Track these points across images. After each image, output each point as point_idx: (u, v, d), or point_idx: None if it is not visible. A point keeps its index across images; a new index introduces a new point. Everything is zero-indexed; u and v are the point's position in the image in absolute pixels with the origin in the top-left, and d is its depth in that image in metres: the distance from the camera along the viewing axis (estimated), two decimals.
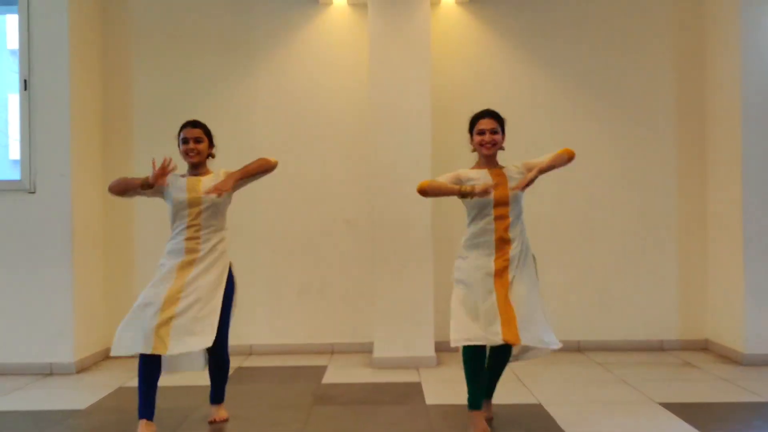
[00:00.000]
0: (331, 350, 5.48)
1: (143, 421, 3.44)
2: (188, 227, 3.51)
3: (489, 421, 3.59)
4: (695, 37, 5.49)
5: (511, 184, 3.51)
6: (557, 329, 5.26)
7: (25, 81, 4.96)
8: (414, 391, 4.29)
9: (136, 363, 5.14)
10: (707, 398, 4.09)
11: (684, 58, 5.51)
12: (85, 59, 5.22)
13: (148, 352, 3.34)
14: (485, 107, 5.42)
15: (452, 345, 3.40)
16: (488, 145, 3.54)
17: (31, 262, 4.93)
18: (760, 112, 4.95)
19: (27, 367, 4.90)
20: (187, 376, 4.58)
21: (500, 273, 3.42)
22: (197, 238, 3.51)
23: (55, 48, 4.95)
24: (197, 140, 3.62)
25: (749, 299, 4.91)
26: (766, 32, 4.96)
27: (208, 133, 3.69)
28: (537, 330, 3.40)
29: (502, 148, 3.62)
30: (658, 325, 5.48)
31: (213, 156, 3.75)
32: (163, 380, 4.62)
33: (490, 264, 3.44)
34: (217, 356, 3.64)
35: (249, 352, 5.44)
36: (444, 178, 3.56)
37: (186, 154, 3.62)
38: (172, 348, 3.33)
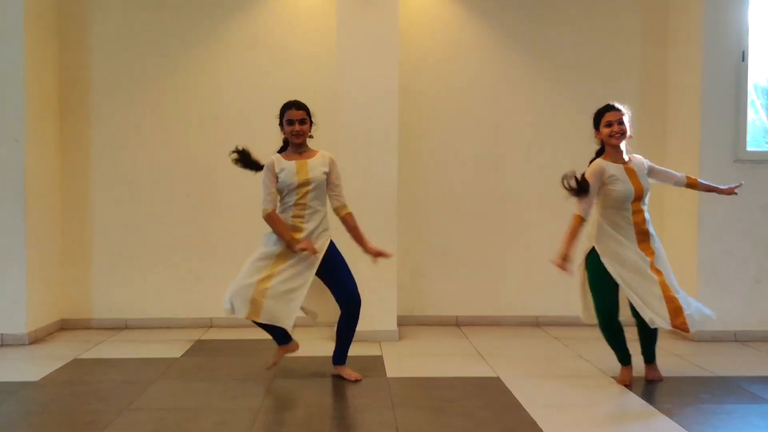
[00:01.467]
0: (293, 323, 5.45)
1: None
2: (295, 205, 3.80)
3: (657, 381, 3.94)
4: (659, 19, 5.54)
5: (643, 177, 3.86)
6: (516, 305, 5.37)
7: None
8: (376, 364, 4.32)
9: (90, 335, 5.12)
10: None
11: (648, 39, 5.57)
12: (40, 21, 5.01)
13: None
14: (455, 83, 5.50)
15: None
16: (617, 135, 3.80)
17: None
18: (718, 94, 5.05)
19: None
20: (149, 349, 4.53)
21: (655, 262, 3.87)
22: (302, 216, 3.79)
23: (8, 10, 4.74)
24: (302, 122, 3.85)
25: (701, 279, 5.06)
26: (726, 16, 5.04)
27: (309, 114, 3.91)
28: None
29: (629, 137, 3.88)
30: None
31: (311, 136, 3.96)
32: (125, 352, 4.60)
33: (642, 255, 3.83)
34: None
35: (210, 325, 5.39)
36: (591, 176, 3.82)
37: (294, 135, 3.85)
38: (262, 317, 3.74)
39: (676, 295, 3.75)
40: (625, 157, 3.91)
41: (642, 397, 3.66)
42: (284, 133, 3.94)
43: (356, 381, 3.91)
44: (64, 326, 5.33)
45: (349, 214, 3.99)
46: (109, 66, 5.35)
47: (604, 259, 3.82)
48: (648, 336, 3.99)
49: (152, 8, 5.36)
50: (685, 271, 5.24)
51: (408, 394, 3.76)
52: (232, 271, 5.35)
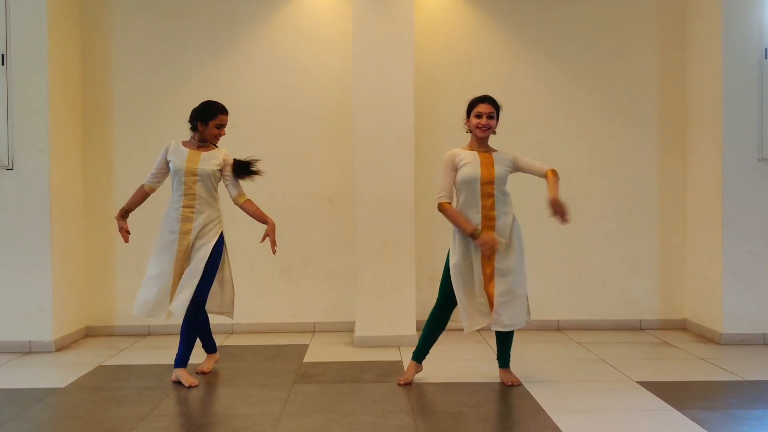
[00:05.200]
0: (313, 329, 5.49)
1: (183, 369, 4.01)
2: (184, 195, 3.93)
3: (513, 386, 3.91)
4: (677, 18, 5.49)
5: (498, 168, 3.81)
6: (537, 309, 5.34)
7: (2, 56, 4.86)
8: (395, 369, 4.31)
9: (114, 341, 5.19)
10: (684, 377, 4.15)
11: (666, 40, 5.51)
12: (63, 33, 5.11)
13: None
14: (468, 85, 5.49)
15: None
16: (483, 128, 3.84)
17: (9, 238, 4.87)
18: (740, 93, 4.97)
19: (5, 345, 4.86)
20: (172, 355, 4.56)
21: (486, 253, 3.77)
22: (192, 207, 3.92)
23: (33, 22, 4.84)
24: (225, 127, 4.07)
25: (727, 279, 4.97)
26: (746, 13, 4.96)
27: None
28: (511, 314, 3.78)
29: (494, 133, 3.92)
30: (637, 304, 5.54)
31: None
32: (147, 358, 4.65)
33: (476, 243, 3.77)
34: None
35: (230, 331, 5.42)
36: (444, 166, 3.86)
37: (216, 138, 4.06)
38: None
39: (496, 291, 3.74)
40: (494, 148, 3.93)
41: (668, 402, 3.60)
42: (205, 131, 4.04)
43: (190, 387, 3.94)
44: (89, 333, 5.41)
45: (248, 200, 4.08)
46: (131, 76, 5.44)
47: (451, 248, 3.86)
48: (503, 337, 3.94)
49: (172, 20, 5.44)
50: (709, 272, 5.16)
51: (428, 400, 3.74)
52: (252, 278, 5.44)
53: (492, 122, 3.85)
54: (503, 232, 3.80)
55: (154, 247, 4.03)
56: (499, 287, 3.76)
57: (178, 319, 3.99)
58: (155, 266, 3.96)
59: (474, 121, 3.86)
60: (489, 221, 3.79)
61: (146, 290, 3.95)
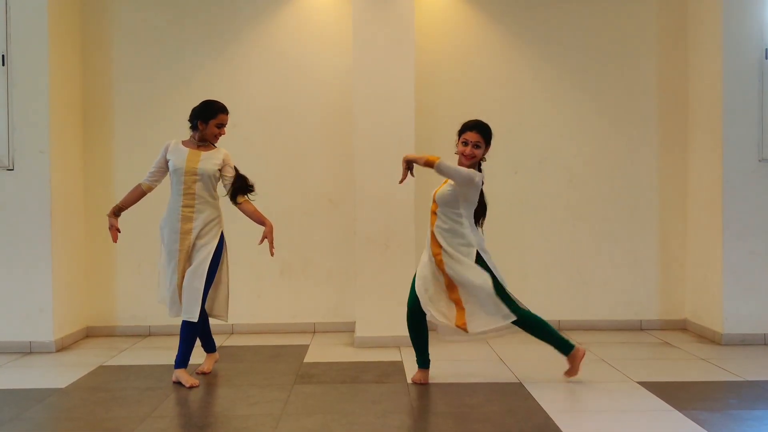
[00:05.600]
0: (313, 329, 5.49)
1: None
2: (184, 195, 3.92)
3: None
4: (677, 19, 5.48)
5: (444, 187, 3.86)
6: (538, 309, 5.32)
7: (2, 56, 4.86)
8: (396, 369, 4.31)
9: (115, 342, 5.19)
10: (685, 377, 4.15)
11: (666, 40, 5.50)
12: (63, 33, 5.11)
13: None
14: (469, 86, 5.49)
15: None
16: (468, 157, 3.84)
17: (10, 239, 4.87)
18: (740, 93, 4.96)
19: (6, 346, 4.85)
20: (172, 355, 4.56)
21: (439, 263, 3.85)
22: (191, 206, 3.91)
23: (33, 22, 4.85)
24: (225, 126, 4.09)
25: (728, 280, 4.97)
26: (746, 13, 4.96)
27: None
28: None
29: (483, 160, 3.92)
30: (638, 305, 5.53)
31: None
32: (148, 359, 4.66)
33: (431, 253, 3.87)
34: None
35: (231, 331, 5.43)
36: None
37: (216, 137, 4.06)
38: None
39: (461, 297, 3.81)
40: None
41: (668, 402, 3.60)
42: (206, 132, 4.03)
43: (191, 387, 3.93)
44: (90, 334, 5.41)
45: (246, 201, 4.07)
46: (131, 76, 5.43)
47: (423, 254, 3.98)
48: (531, 332, 3.94)
49: (172, 20, 5.44)
50: (710, 272, 5.16)
51: (428, 400, 3.74)
52: (252, 278, 5.44)
53: (477, 152, 3.82)
54: (449, 252, 3.79)
55: (161, 245, 4.07)
56: (462, 294, 3.81)
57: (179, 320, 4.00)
58: (164, 264, 4.03)
59: (460, 147, 3.87)
60: (433, 237, 3.87)
61: (163, 285, 4.04)
